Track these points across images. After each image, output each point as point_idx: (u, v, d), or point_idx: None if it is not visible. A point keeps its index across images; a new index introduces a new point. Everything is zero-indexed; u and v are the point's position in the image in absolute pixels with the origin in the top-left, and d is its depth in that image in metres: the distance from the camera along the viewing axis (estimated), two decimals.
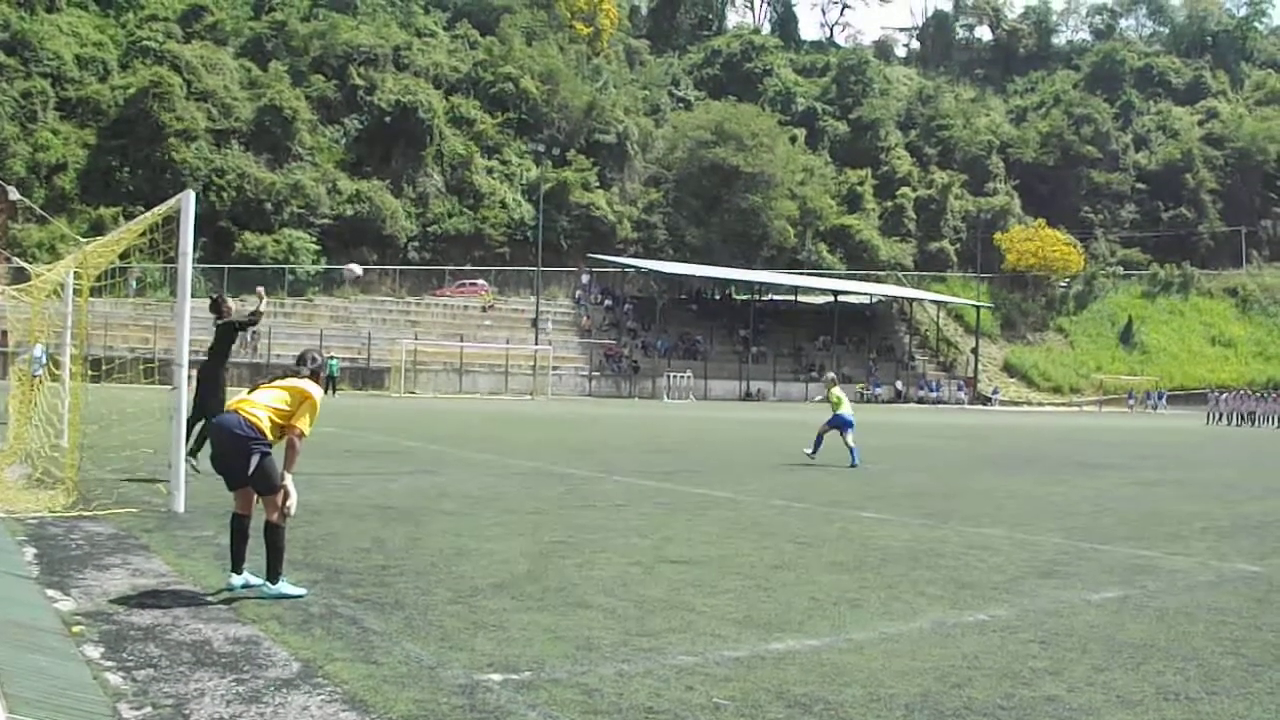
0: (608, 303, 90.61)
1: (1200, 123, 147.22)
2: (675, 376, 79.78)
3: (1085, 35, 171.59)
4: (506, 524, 13.10)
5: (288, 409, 8.90)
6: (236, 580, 8.88)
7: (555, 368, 75.94)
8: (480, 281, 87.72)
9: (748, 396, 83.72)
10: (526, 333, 79.44)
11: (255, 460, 8.69)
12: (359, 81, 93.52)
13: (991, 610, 9.27)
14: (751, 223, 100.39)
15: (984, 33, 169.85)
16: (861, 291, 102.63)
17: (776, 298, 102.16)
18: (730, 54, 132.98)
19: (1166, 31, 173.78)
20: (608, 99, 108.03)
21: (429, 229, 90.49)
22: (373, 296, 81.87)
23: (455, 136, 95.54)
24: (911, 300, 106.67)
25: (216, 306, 17.65)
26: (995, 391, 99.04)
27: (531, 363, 76.02)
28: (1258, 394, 78.80)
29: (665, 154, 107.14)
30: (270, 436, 8.81)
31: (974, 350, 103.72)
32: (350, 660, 7.06)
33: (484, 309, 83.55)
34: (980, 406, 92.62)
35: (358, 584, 9.25)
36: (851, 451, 24.14)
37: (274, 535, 8.76)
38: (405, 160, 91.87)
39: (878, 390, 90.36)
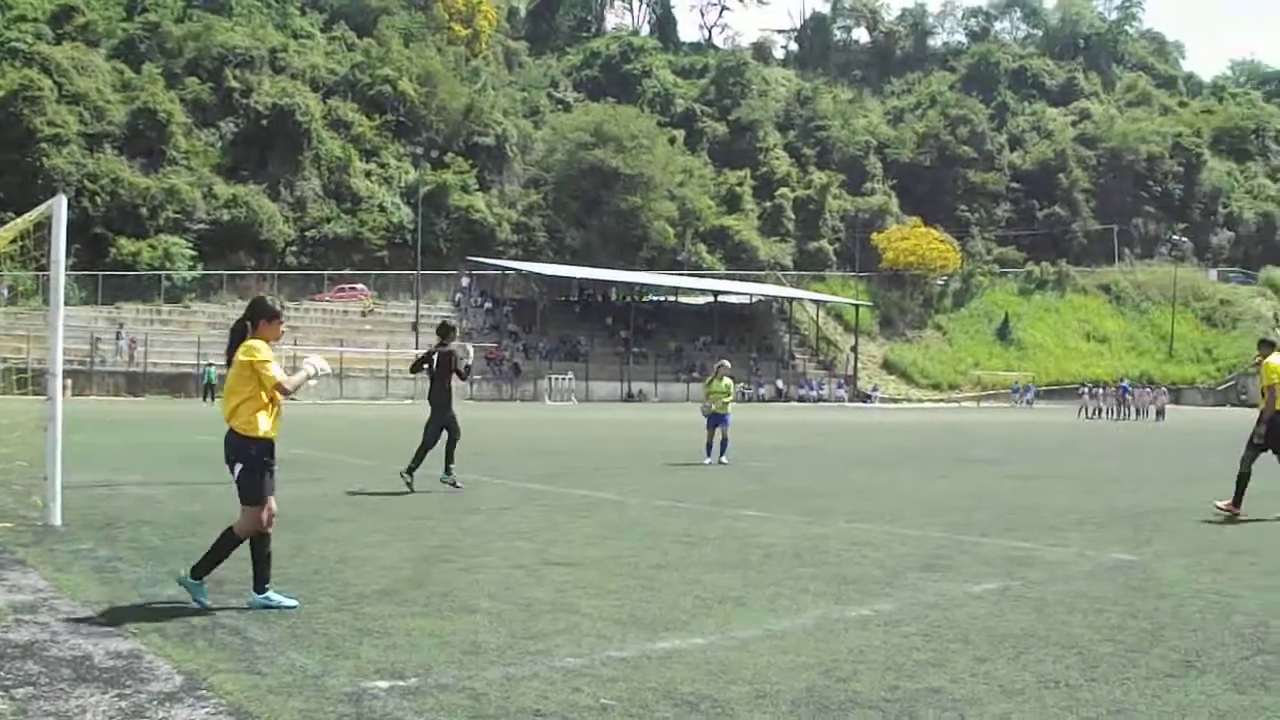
0: (488, 305, 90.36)
1: (1073, 123, 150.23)
2: (557, 378, 79.77)
3: (961, 37, 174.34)
4: (390, 530, 13.04)
5: (246, 387, 8.74)
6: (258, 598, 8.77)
7: None
8: (360, 286, 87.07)
9: (630, 398, 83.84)
10: (407, 336, 78.92)
11: (238, 469, 8.74)
12: (235, 84, 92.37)
13: (874, 605, 9.36)
14: (631, 224, 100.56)
15: (861, 35, 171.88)
16: (741, 291, 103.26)
17: (657, 298, 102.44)
18: (609, 56, 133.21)
19: (1040, 34, 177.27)
20: (486, 101, 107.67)
21: (307, 233, 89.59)
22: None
23: (333, 139, 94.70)
24: (791, 299, 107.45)
25: (446, 331, 18.80)
26: (875, 389, 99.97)
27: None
28: (1131, 388, 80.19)
29: (544, 156, 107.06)
30: (258, 432, 8.71)
31: (854, 348, 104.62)
32: (234, 671, 6.95)
33: (364, 314, 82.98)
34: (860, 404, 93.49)
35: (241, 594, 9.13)
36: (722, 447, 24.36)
37: (261, 544, 8.85)
38: (282, 164, 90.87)
39: (761, 390, 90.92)
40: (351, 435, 34.05)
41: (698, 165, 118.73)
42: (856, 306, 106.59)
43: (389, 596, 9.21)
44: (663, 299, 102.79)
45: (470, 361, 19.09)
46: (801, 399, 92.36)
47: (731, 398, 25.07)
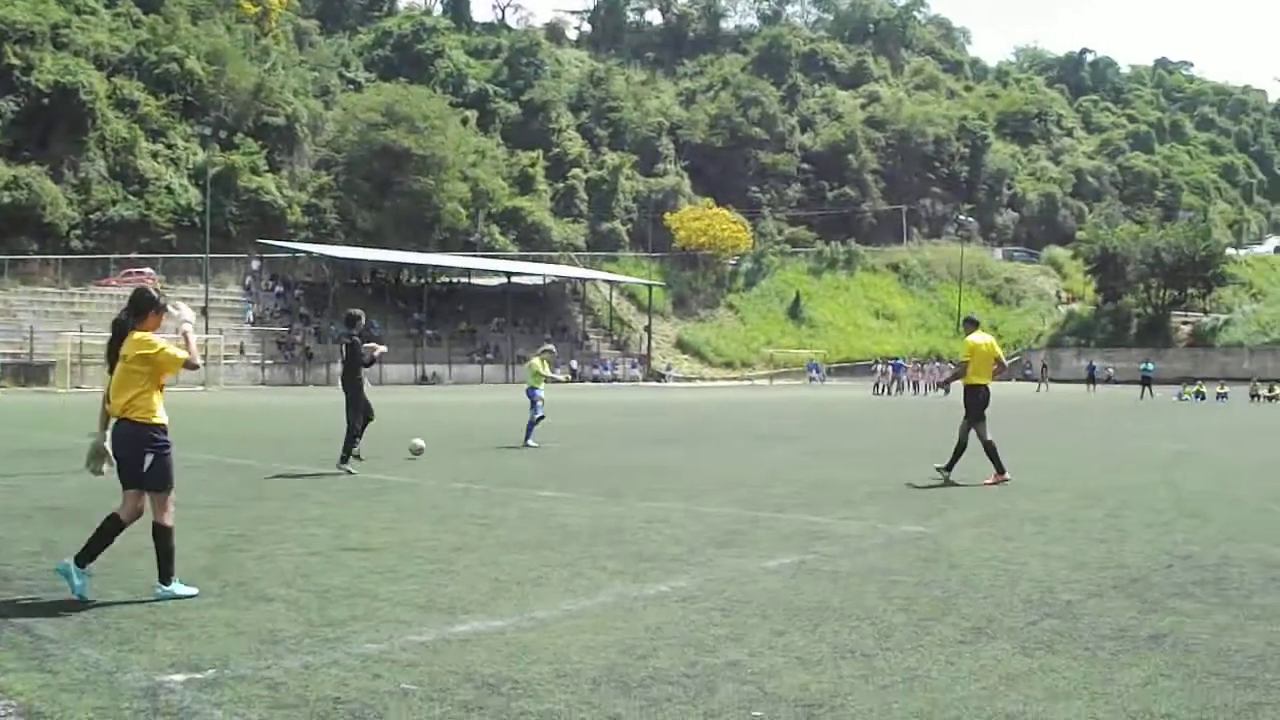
0: (279, 289, 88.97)
1: (863, 106, 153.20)
2: None
3: (753, 20, 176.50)
4: (182, 518, 12.76)
5: (140, 380, 8.74)
6: (80, 582, 8.62)
7: (227, 357, 74.17)
8: (147, 270, 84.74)
9: (424, 380, 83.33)
10: (196, 322, 77.28)
11: (149, 459, 8.70)
12: (14, 60, 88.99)
13: (672, 581, 9.50)
14: (423, 205, 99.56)
15: (654, 17, 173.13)
16: (534, 273, 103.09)
17: (450, 280, 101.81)
18: (401, 35, 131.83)
19: (831, 18, 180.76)
20: (276, 80, 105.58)
21: (92, 216, 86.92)
22: (33, 288, 78.20)
23: (118, 119, 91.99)
24: (584, 280, 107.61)
25: (353, 321, 20.14)
26: (669, 368, 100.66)
27: (203, 353, 73.94)
28: (920, 363, 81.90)
29: (336, 137, 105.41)
30: (160, 419, 8.80)
31: (647, 328, 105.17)
32: (24, 670, 6.80)
33: None
34: (655, 383, 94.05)
35: (28, 590, 8.93)
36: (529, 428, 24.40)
37: (166, 538, 8.85)
38: (65, 144, 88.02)
39: (555, 371, 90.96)
40: None
41: (490, 146, 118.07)
42: (650, 287, 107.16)
43: None
44: (455, 281, 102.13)
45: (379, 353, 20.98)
46: (596, 379, 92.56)
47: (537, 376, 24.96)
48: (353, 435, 19.28)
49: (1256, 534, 12.56)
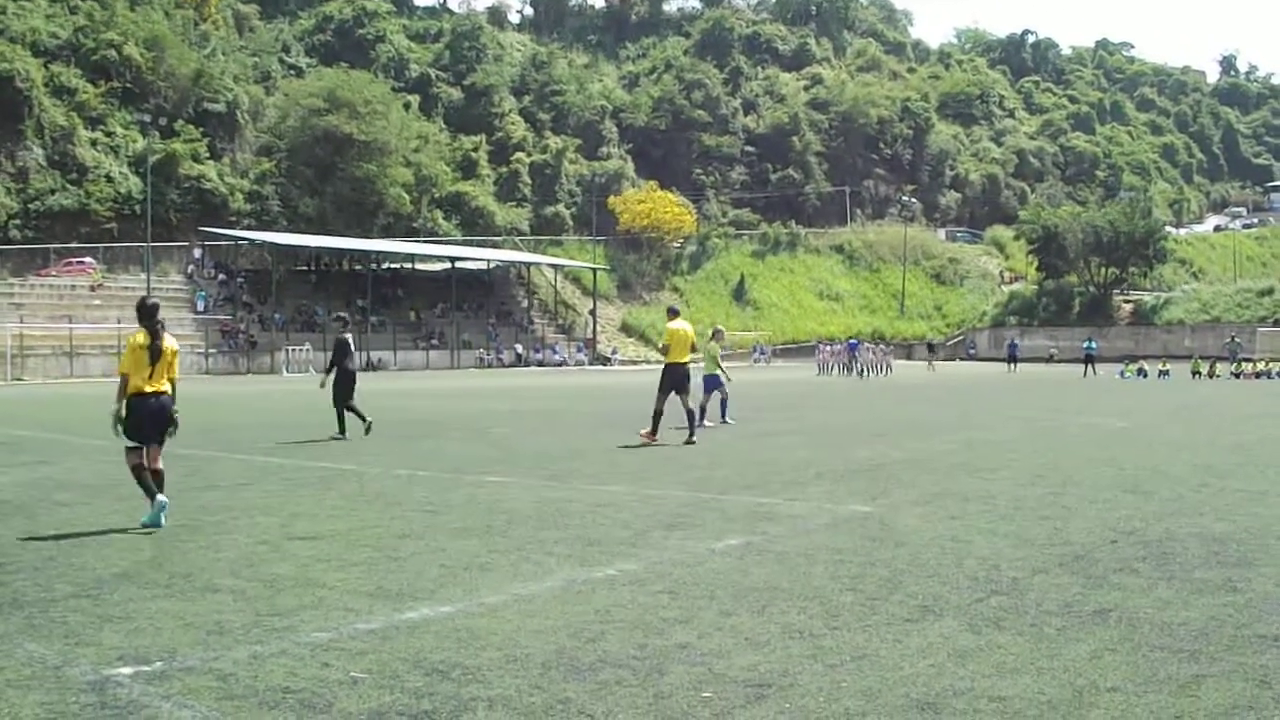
0: (222, 277, 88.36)
1: (806, 88, 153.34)
2: (294, 350, 78.55)
3: (695, 3, 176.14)
4: (126, 511, 12.72)
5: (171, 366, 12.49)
6: (163, 498, 11.92)
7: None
8: (88, 260, 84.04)
9: (369, 367, 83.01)
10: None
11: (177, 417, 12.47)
12: None
13: (620, 565, 9.54)
14: (366, 191, 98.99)
15: (597, 0, 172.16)
16: (479, 258, 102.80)
17: (394, 266, 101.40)
18: (342, 20, 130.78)
19: (773, 1, 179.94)
20: (216, 67, 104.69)
21: (30, 205, 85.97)
22: None
23: (56, 107, 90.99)
24: (529, 265, 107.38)
25: (345, 323, 25.03)
26: (614, 352, 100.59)
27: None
28: (860, 344, 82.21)
29: (277, 123, 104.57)
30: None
31: (592, 312, 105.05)
32: None
33: (93, 288, 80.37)
34: (600, 367, 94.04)
35: None
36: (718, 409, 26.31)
37: (162, 476, 12.15)
38: (2, 133, 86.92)
39: (500, 355, 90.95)
40: (83, 414, 33.02)
41: (433, 131, 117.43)
42: (594, 270, 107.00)
43: (129, 579, 9.04)
44: (399, 267, 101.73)
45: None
46: (542, 363, 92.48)
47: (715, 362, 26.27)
48: (356, 412, 23.30)
49: (1197, 509, 12.69)
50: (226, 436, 23.64)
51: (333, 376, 23.52)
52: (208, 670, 6.61)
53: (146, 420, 11.89)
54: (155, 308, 12.45)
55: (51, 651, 7.05)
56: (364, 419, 23.04)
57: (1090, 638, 7.25)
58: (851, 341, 79.64)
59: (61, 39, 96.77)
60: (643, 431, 21.81)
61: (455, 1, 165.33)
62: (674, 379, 21.97)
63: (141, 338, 11.95)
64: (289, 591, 8.56)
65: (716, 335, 26.83)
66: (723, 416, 26.15)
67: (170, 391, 12.15)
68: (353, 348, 24.09)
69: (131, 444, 11.88)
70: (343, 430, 23.04)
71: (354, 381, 23.74)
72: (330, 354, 24.46)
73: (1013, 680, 6.40)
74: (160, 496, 11.78)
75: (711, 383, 25.76)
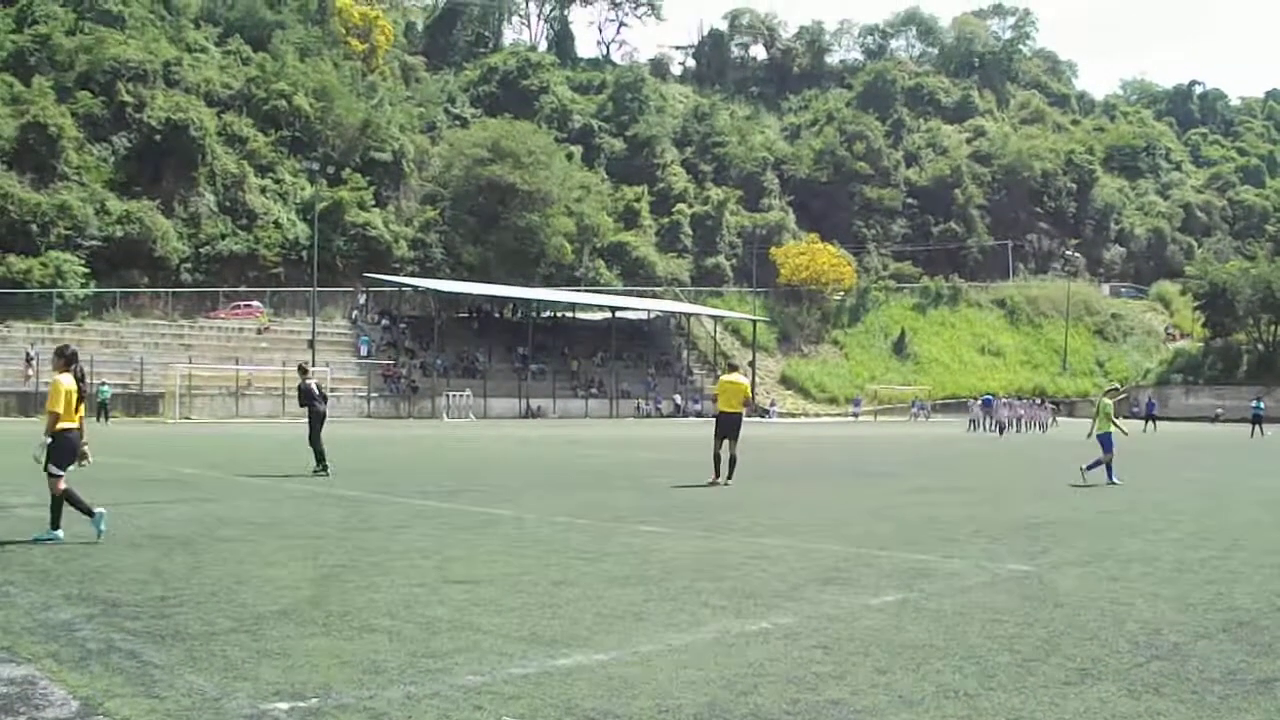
0: (385, 323, 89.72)
1: (968, 140, 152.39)
2: (455, 395, 79.38)
3: (857, 55, 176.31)
4: (287, 549, 12.90)
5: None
6: (101, 509, 13.56)
7: (333, 389, 74.80)
8: (255, 303, 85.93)
9: (528, 414, 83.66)
10: (303, 354, 78.00)
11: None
12: (127, 98, 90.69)
13: (774, 618, 9.41)
14: (528, 240, 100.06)
15: (759, 51, 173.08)
16: (639, 307, 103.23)
17: (554, 314, 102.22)
18: (507, 71, 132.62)
19: (936, 52, 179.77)
20: (383, 116, 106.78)
21: (202, 250, 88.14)
22: (144, 320, 79.45)
23: (228, 155, 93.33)
24: (689, 315, 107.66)
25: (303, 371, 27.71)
26: (773, 404, 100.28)
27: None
28: (1025, 401, 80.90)
29: (441, 172, 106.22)
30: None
31: (751, 363, 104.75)
32: (131, 696, 6.84)
33: (259, 331, 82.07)
34: (758, 419, 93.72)
35: (136, 616, 9.01)
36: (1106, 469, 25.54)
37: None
38: (176, 179, 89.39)
39: (659, 405, 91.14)
40: (248, 453, 33.62)
41: (595, 181, 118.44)
42: (754, 322, 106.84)
43: (287, 617, 9.12)
44: (560, 315, 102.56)
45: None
46: (700, 414, 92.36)
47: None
48: (319, 451, 25.10)
49: None
50: (386, 479, 23.91)
51: (307, 418, 25.81)
52: (362, 709, 6.62)
53: (68, 452, 13.48)
54: (75, 355, 14.08)
55: (211, 684, 7.11)
56: (322, 461, 24.85)
57: (1254, 708, 7.00)
58: (986, 398, 77.93)
59: (234, 89, 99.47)
60: (708, 480, 23.66)
61: (618, 54, 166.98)
62: (724, 426, 23.95)
63: (69, 382, 13.50)
64: (444, 634, 8.57)
65: (1110, 393, 27.53)
66: (1109, 477, 25.43)
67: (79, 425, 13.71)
68: (316, 391, 26.19)
69: (58, 472, 13.33)
70: (321, 463, 24.86)
71: (322, 422, 25.64)
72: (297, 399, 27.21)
73: None
74: (99, 509, 13.51)
75: (1107, 441, 25.48)
